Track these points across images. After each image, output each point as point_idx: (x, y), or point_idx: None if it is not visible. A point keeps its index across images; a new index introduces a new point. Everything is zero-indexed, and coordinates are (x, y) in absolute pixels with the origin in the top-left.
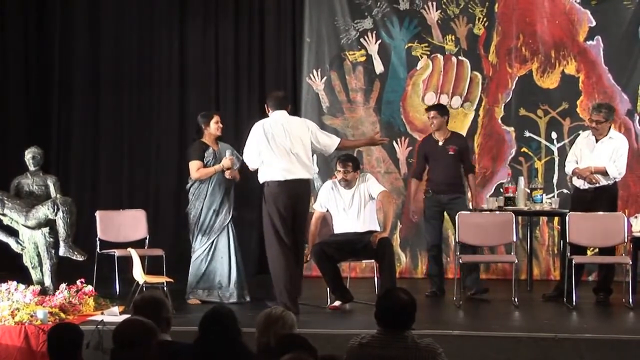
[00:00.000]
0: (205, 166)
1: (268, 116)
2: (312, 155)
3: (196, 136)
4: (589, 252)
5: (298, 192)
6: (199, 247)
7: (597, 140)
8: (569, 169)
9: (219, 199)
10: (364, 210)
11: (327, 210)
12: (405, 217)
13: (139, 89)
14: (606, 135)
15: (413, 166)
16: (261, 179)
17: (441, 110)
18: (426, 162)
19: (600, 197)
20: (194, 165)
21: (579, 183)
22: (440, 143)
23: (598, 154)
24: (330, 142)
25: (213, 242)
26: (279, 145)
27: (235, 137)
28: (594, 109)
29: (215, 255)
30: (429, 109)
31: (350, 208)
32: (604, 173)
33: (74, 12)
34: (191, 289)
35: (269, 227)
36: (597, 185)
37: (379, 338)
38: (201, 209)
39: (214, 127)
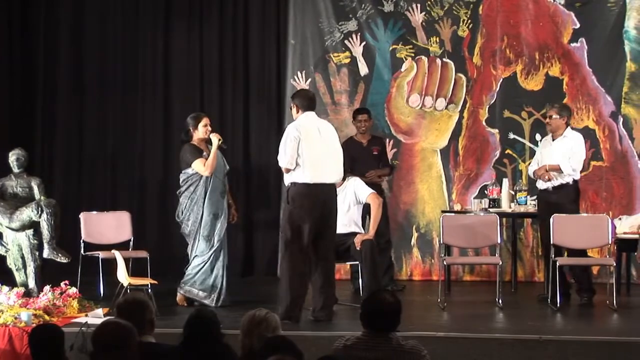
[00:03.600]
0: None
1: (293, 116)
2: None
3: (185, 138)
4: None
5: (330, 196)
6: (204, 252)
7: (553, 140)
8: (530, 171)
9: (217, 203)
10: (348, 213)
11: None
12: (390, 220)
13: (123, 91)
14: (562, 134)
15: None
16: (290, 180)
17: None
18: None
19: (561, 197)
20: (199, 164)
21: (540, 184)
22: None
23: (553, 153)
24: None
25: (218, 248)
26: (314, 148)
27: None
28: (549, 105)
29: (219, 262)
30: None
31: None
32: (559, 171)
33: (59, 13)
34: (189, 285)
35: (288, 229)
36: (556, 184)
37: (364, 340)
38: (202, 214)
39: (202, 130)
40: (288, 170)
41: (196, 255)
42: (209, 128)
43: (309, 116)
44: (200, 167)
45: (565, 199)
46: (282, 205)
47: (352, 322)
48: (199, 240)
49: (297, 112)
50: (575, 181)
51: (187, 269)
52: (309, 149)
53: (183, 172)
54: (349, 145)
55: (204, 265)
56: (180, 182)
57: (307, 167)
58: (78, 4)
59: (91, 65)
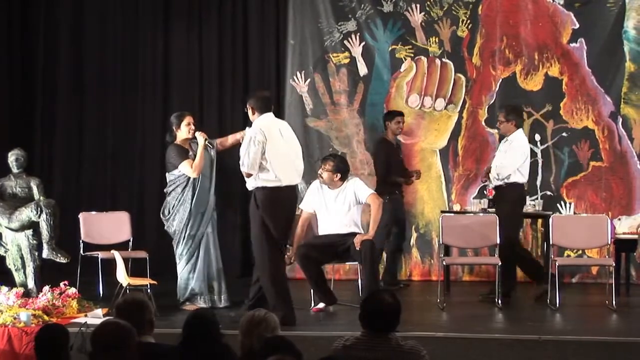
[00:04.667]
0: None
1: (250, 118)
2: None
3: (169, 139)
4: (572, 254)
5: (291, 198)
6: (186, 252)
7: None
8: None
9: (204, 201)
10: (348, 213)
11: (314, 212)
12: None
13: (123, 91)
14: (509, 137)
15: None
16: (254, 184)
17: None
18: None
19: (498, 198)
20: (186, 167)
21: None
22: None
23: (497, 155)
24: None
25: (199, 245)
26: (278, 150)
27: (219, 137)
28: (499, 108)
29: (204, 259)
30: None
31: (334, 209)
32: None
33: (58, 13)
34: (185, 296)
35: (262, 233)
36: (496, 184)
37: (363, 340)
38: (189, 214)
39: (184, 129)
40: (249, 175)
41: (182, 256)
42: (192, 127)
43: (268, 117)
44: (187, 169)
45: (501, 201)
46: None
47: (351, 322)
48: (184, 240)
49: (254, 114)
50: (512, 185)
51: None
52: (275, 152)
53: (170, 173)
54: (383, 146)
55: (193, 271)
56: (168, 182)
57: (276, 170)
58: (77, 4)
59: (91, 66)
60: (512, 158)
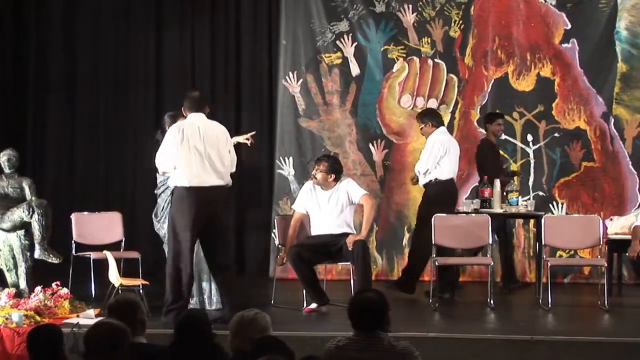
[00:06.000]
0: None
1: (185, 117)
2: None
3: (161, 138)
4: (564, 255)
5: (209, 200)
6: None
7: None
8: None
9: None
10: (341, 213)
11: (307, 212)
12: (382, 220)
13: (115, 91)
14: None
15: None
16: (172, 183)
17: None
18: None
19: (423, 195)
20: None
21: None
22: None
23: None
24: (234, 159)
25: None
26: (193, 150)
27: None
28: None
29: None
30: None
31: (327, 209)
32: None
33: (50, 12)
34: None
35: (171, 232)
36: (422, 183)
37: (356, 341)
38: None
39: None
40: (164, 173)
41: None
42: None
43: (193, 118)
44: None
45: (425, 197)
46: (272, 206)
47: (344, 323)
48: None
49: (185, 113)
50: (431, 182)
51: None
52: (187, 152)
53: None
54: (484, 146)
55: None
56: (158, 182)
57: (184, 170)
58: (69, 3)
59: (83, 66)
60: (427, 155)
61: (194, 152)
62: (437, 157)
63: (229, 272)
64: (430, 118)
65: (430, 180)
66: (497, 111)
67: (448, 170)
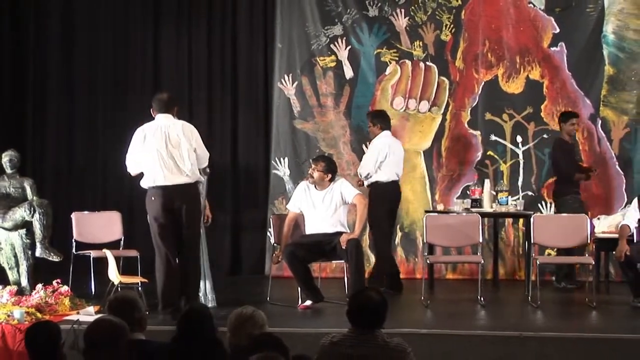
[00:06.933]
0: None
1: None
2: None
3: None
4: (552, 253)
5: (175, 197)
6: None
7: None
8: None
9: None
10: (335, 213)
11: (301, 211)
12: None
13: (113, 93)
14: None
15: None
16: (142, 184)
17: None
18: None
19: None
20: None
21: None
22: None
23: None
24: (204, 156)
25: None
26: (154, 151)
27: (208, 139)
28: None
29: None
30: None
31: (321, 209)
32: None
33: (48, 15)
34: None
35: (151, 231)
36: (367, 184)
37: (350, 337)
38: None
39: None
40: (134, 174)
41: None
42: None
43: (160, 119)
44: None
45: (370, 199)
46: (267, 206)
47: (338, 319)
48: None
49: (154, 114)
50: (377, 184)
51: None
52: (149, 153)
53: None
54: (557, 146)
55: None
56: None
57: (149, 170)
58: (68, 7)
59: (81, 69)
60: (369, 158)
61: (155, 152)
62: (379, 161)
63: (196, 264)
64: (380, 121)
65: (372, 183)
66: (570, 110)
67: (390, 173)
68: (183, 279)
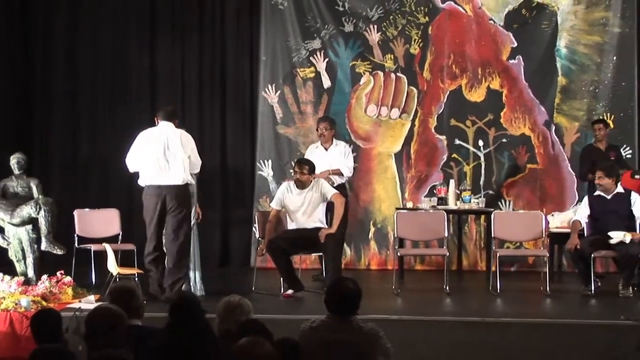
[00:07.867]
0: None
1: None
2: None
3: None
4: (511, 246)
5: (165, 195)
6: None
7: (326, 149)
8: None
9: None
10: (314, 211)
11: (283, 208)
12: (350, 216)
13: (113, 101)
14: (332, 143)
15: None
16: (140, 182)
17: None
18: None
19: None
20: None
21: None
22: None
23: (332, 158)
24: (196, 163)
25: None
26: (149, 154)
27: (199, 143)
28: (320, 120)
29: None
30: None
31: (302, 207)
32: (340, 174)
33: (55, 30)
34: None
35: (145, 221)
36: (336, 184)
37: (328, 322)
38: None
39: None
40: (132, 171)
41: None
42: None
43: (161, 125)
44: None
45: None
46: (253, 204)
47: (317, 307)
48: None
49: (157, 122)
50: (342, 185)
51: None
52: (145, 155)
53: None
54: (589, 152)
55: None
56: None
57: (143, 171)
58: (73, 21)
59: (84, 79)
60: (346, 160)
61: (153, 154)
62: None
63: (181, 257)
64: (333, 126)
65: (342, 183)
66: (599, 118)
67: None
68: (170, 269)
